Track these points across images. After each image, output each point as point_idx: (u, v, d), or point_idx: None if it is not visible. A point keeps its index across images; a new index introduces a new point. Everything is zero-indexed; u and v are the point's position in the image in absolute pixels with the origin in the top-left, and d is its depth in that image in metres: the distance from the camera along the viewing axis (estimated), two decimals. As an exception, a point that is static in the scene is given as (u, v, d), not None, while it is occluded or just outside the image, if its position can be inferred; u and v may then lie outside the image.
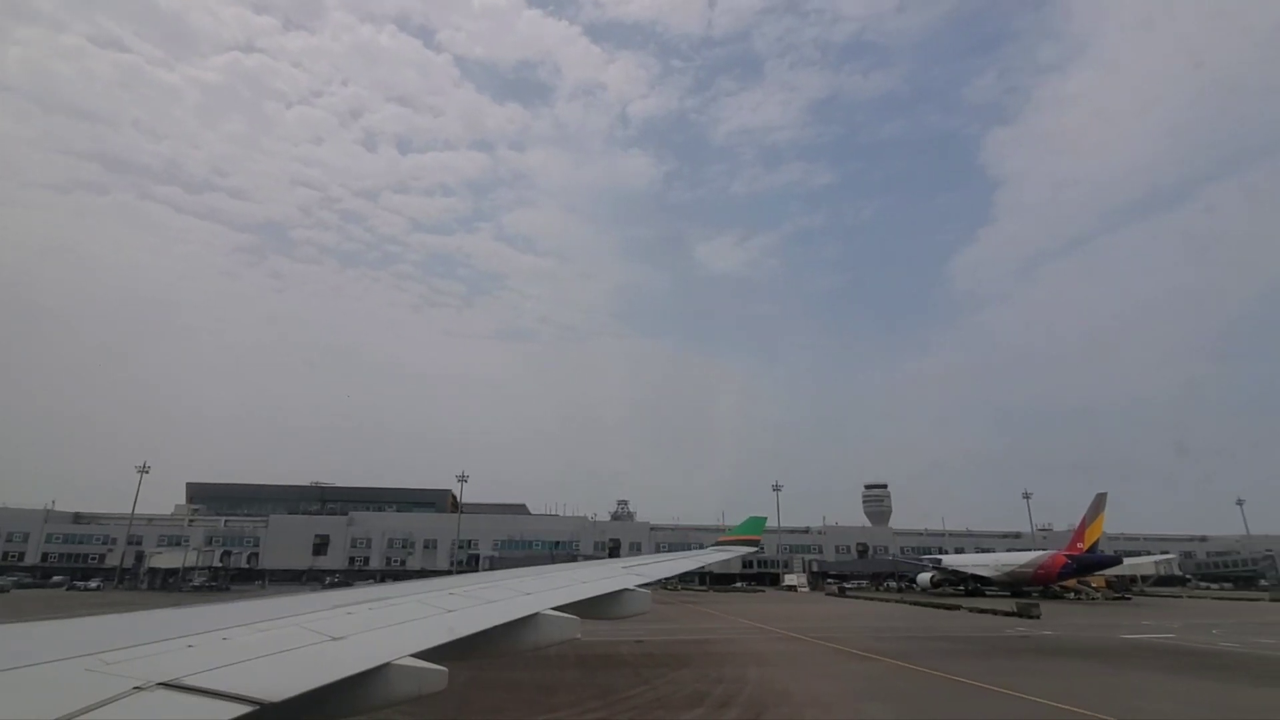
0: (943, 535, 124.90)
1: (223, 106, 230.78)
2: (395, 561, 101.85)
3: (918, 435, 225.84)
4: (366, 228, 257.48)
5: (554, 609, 6.29)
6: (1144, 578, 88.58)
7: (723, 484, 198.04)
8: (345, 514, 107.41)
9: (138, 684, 2.92)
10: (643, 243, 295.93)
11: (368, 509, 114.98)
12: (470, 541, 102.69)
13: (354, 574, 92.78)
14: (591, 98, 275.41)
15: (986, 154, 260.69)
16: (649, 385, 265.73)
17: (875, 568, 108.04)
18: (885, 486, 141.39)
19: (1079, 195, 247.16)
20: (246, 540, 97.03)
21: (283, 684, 3.20)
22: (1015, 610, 48.05)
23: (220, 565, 78.59)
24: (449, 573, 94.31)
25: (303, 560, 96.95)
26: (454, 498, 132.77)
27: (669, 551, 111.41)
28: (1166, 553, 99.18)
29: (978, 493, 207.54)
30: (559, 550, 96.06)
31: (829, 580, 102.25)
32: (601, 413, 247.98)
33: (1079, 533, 69.05)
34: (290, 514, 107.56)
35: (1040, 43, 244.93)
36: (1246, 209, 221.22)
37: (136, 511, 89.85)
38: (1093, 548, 67.28)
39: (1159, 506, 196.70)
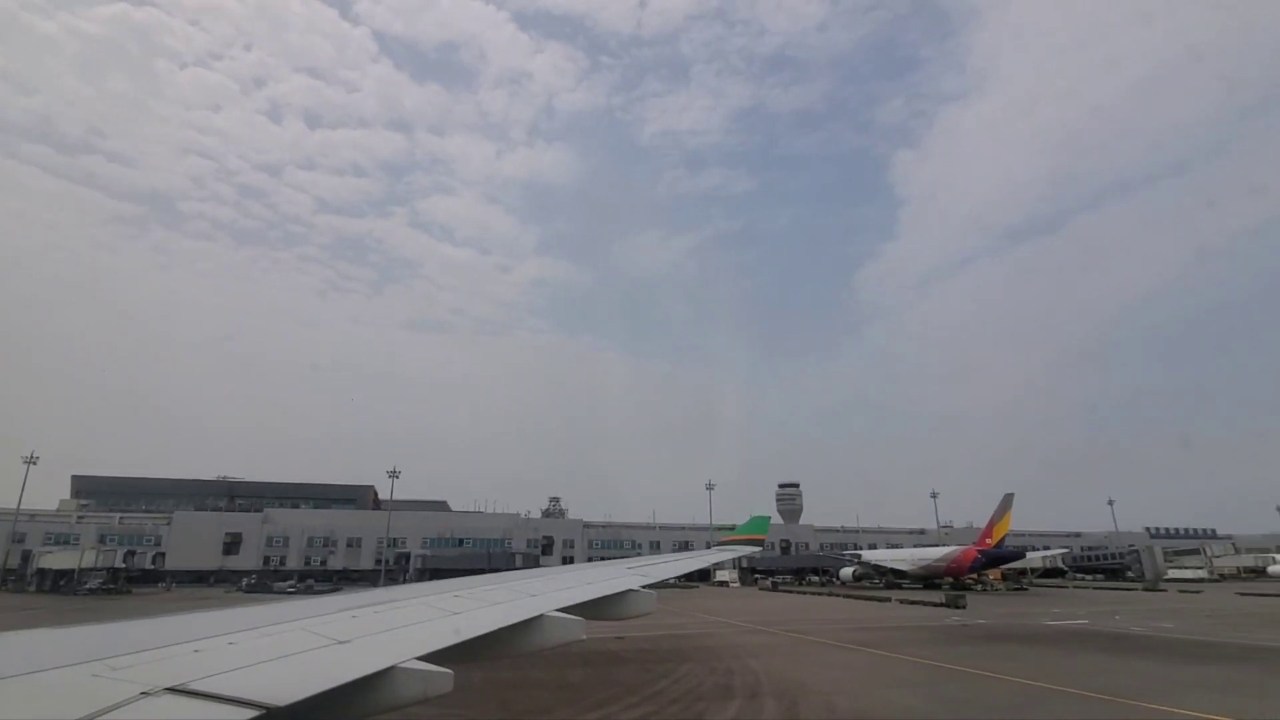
0: (857, 532, 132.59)
1: (106, 61, 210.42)
2: (316, 561, 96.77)
3: (828, 435, 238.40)
4: (267, 204, 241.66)
5: (559, 610, 6.36)
6: (1032, 570, 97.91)
7: (650, 481, 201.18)
8: (259, 510, 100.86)
9: (145, 689, 2.97)
10: (564, 238, 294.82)
11: (280, 506, 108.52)
12: (397, 540, 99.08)
13: (270, 574, 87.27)
14: (517, 86, 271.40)
15: (894, 173, 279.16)
16: (568, 383, 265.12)
17: (799, 563, 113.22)
18: (798, 485, 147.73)
19: (970, 218, 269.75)
20: (147, 539, 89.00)
21: (289, 688, 3.26)
22: (944, 601, 52.23)
23: (123, 566, 71.76)
24: (376, 573, 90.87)
25: (212, 560, 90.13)
26: (375, 494, 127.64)
27: (604, 547, 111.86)
28: (1049, 548, 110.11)
29: (883, 490, 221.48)
30: (495, 549, 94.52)
31: (756, 575, 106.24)
32: (520, 410, 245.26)
33: (988, 529, 75.62)
34: (196, 510, 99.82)
35: (945, 73, 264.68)
36: (1108, 239, 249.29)
37: (9, 506, 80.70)
38: (1000, 543, 73.92)
39: (1040, 505, 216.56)
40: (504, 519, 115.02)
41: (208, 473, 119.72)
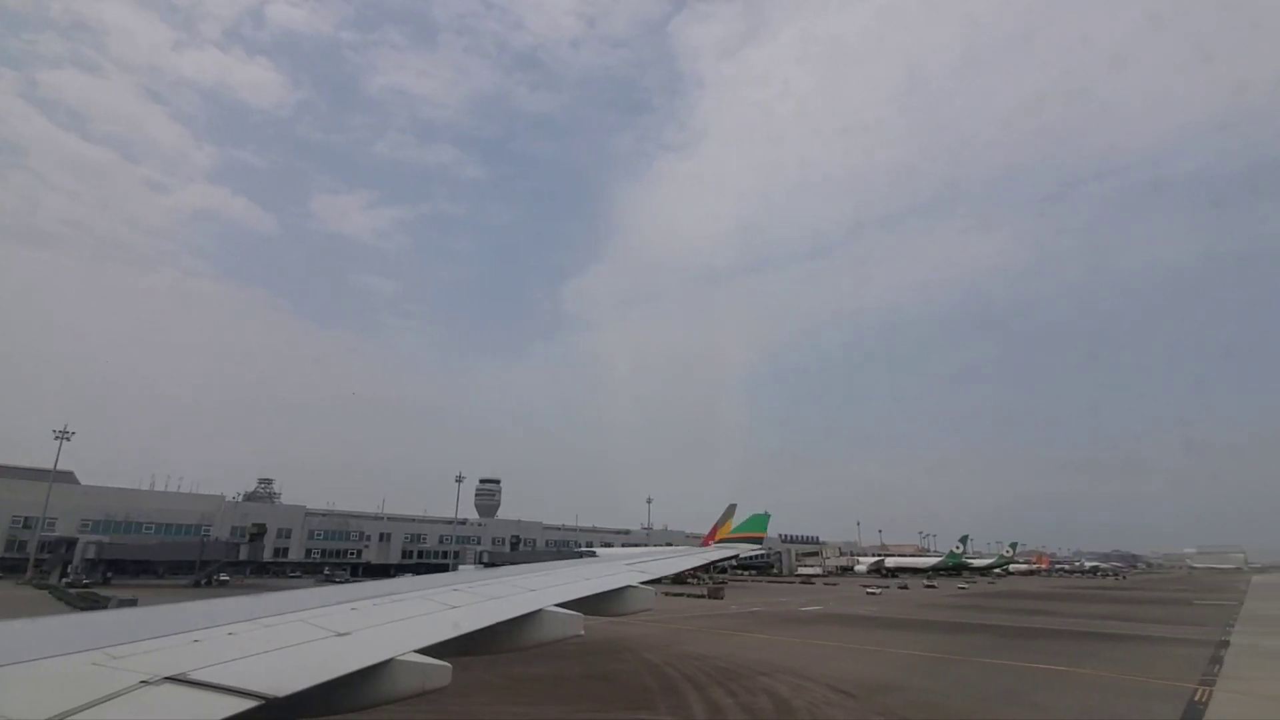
0: (576, 530, 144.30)
1: None
2: (-106, 547, 68.60)
3: (531, 434, 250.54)
4: None
5: (557, 605, 6.45)
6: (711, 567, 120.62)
7: (373, 468, 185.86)
8: None
9: (144, 678, 3.02)
10: (250, 171, 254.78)
11: None
12: (44, 522, 75.96)
13: None
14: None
15: (614, 200, 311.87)
16: (233, 341, 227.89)
17: (526, 559, 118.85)
18: (498, 482, 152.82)
19: (667, 258, 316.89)
20: None
21: (288, 679, 3.33)
22: (707, 594, 63.50)
23: None
24: (20, 562, 69.10)
25: None
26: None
27: (326, 538, 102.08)
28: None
29: (597, 490, 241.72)
30: (208, 540, 79.02)
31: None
32: (169, 367, 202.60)
33: (712, 532, 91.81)
34: None
35: (669, 124, 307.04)
36: (769, 295, 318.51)
37: None
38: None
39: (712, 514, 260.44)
40: (200, 501, 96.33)
41: None
